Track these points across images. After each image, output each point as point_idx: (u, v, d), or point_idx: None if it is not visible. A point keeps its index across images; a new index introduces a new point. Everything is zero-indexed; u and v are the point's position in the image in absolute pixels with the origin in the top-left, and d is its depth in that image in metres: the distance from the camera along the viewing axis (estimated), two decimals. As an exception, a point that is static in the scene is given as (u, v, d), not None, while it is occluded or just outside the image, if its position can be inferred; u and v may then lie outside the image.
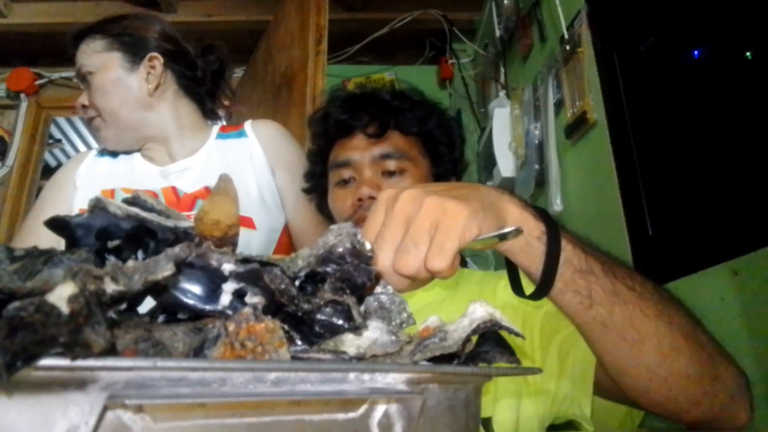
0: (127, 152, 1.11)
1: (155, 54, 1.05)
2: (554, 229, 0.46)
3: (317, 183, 0.92)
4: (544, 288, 0.47)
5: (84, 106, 1.06)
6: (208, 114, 1.16)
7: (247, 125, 1.11)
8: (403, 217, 0.41)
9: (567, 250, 0.46)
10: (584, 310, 0.47)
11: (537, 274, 0.47)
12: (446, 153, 0.86)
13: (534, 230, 0.46)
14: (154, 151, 1.08)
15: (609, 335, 0.48)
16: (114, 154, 1.11)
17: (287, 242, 1.08)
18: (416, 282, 0.60)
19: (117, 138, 1.06)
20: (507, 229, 0.42)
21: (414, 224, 0.41)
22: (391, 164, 0.80)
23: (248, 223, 0.99)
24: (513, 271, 0.50)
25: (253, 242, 0.99)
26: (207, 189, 0.99)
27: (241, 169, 1.04)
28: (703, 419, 0.52)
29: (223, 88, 1.17)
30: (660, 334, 0.48)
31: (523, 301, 0.65)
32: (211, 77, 1.13)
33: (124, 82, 1.03)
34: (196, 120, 1.12)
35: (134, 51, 1.04)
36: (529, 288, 0.50)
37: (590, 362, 0.60)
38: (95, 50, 1.03)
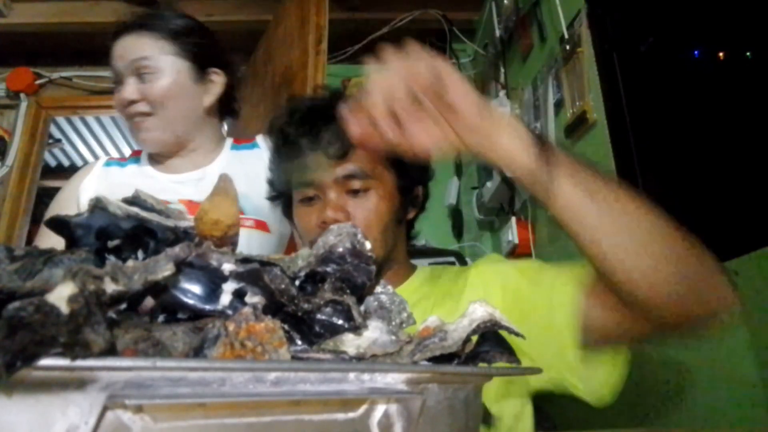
0: (136, 160, 1.10)
1: (216, 69, 1.05)
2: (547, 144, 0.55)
3: (280, 192, 0.89)
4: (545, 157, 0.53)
5: (132, 102, 0.98)
6: (226, 115, 1.16)
7: (259, 138, 1.14)
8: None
9: (562, 157, 0.54)
10: (588, 200, 0.54)
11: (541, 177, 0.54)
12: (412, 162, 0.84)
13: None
14: (171, 159, 1.06)
15: (614, 222, 0.55)
16: (122, 162, 1.11)
17: (295, 249, 1.09)
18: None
19: (161, 141, 1.02)
20: None
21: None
22: (356, 184, 0.78)
23: (263, 226, 1.00)
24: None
25: (268, 245, 1.01)
26: None
27: (258, 177, 1.03)
28: (698, 306, 0.56)
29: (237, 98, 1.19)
30: (651, 220, 0.56)
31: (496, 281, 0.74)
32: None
33: (189, 92, 1.02)
34: (218, 131, 1.13)
35: (201, 63, 1.03)
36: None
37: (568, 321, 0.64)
38: (163, 50, 0.99)
